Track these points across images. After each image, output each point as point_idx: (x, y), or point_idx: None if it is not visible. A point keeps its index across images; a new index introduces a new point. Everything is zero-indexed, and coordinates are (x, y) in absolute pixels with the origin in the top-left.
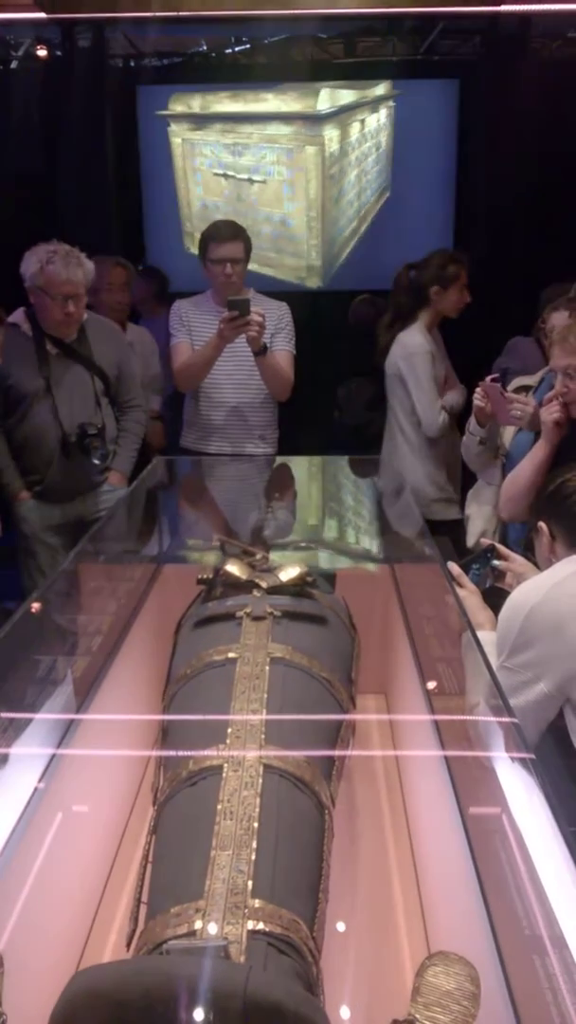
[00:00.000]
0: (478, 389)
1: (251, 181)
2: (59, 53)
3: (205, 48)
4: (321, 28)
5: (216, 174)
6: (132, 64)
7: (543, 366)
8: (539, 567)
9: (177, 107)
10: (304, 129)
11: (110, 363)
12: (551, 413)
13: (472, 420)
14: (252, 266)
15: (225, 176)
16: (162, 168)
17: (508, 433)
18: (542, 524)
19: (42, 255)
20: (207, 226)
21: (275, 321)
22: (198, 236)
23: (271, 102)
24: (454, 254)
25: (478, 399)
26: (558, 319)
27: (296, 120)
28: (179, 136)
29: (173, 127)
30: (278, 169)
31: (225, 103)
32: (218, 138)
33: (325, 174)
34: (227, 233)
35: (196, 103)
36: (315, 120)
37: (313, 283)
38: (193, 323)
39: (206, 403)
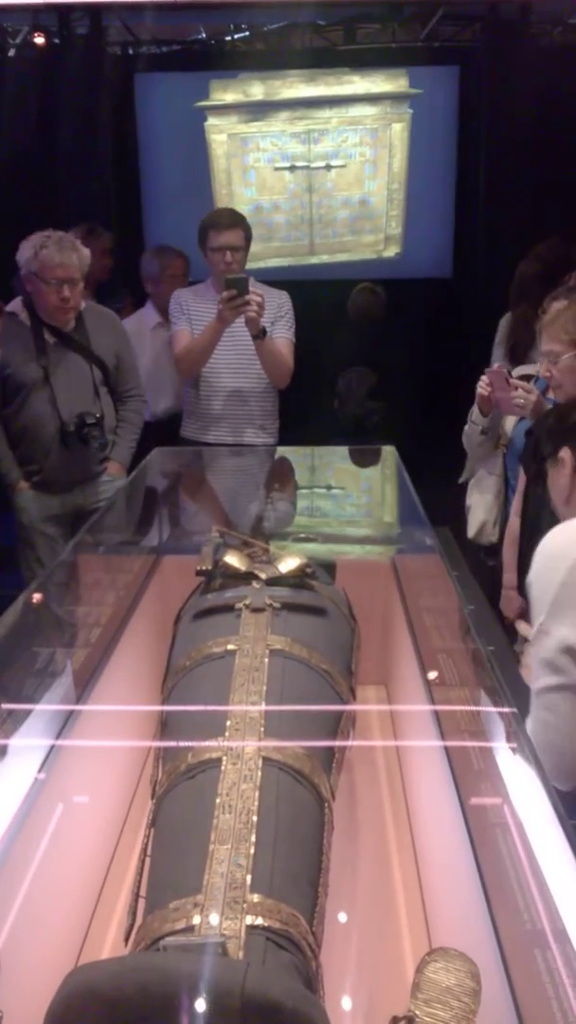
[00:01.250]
0: (483, 377)
1: (329, 167)
2: (56, 41)
3: (204, 36)
4: (321, 15)
5: (279, 168)
6: (130, 52)
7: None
8: (554, 502)
9: (226, 96)
10: (391, 108)
11: (109, 352)
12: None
13: (475, 409)
14: (323, 256)
15: (292, 168)
16: (160, 157)
17: (510, 422)
18: (565, 454)
19: (36, 241)
20: (207, 215)
21: (275, 309)
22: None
23: (359, 83)
24: None
25: (482, 387)
26: (558, 308)
27: (384, 100)
28: (224, 131)
29: (214, 121)
30: (360, 151)
31: (300, 88)
32: (284, 127)
33: (411, 148)
34: (227, 221)
35: (257, 90)
36: (402, 99)
37: (391, 252)
38: (193, 312)
39: (206, 391)
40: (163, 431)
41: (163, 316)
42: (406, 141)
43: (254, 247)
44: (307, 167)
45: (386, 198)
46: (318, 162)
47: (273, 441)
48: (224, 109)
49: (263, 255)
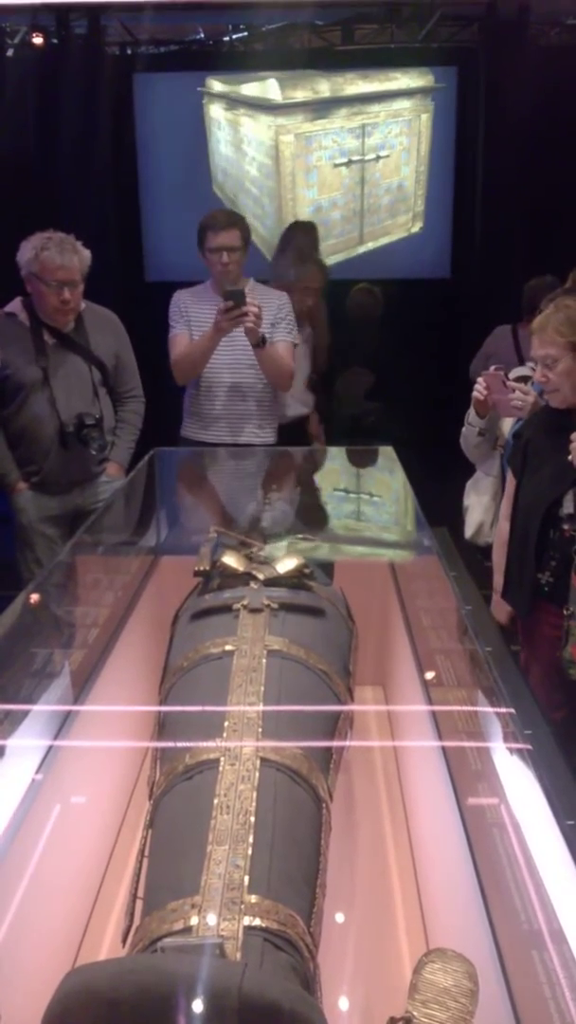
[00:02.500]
0: (479, 379)
1: (378, 158)
2: (55, 41)
3: (202, 36)
4: (319, 15)
5: (337, 164)
6: (128, 52)
7: (515, 353)
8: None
9: (296, 94)
10: (421, 101)
11: (108, 353)
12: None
13: (471, 411)
14: (368, 244)
15: (348, 163)
16: (159, 156)
17: (507, 424)
18: None
19: (37, 242)
20: (205, 216)
21: (275, 311)
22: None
23: (401, 80)
24: None
25: (478, 390)
26: (548, 312)
27: (417, 93)
28: (291, 132)
29: (284, 121)
30: (399, 140)
31: (359, 84)
32: (343, 123)
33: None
34: (224, 222)
35: (324, 87)
36: (428, 91)
37: (416, 227)
38: (192, 314)
39: (206, 391)
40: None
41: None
42: (430, 128)
43: None
44: (361, 160)
45: (414, 180)
46: (369, 155)
47: (272, 440)
48: (291, 109)
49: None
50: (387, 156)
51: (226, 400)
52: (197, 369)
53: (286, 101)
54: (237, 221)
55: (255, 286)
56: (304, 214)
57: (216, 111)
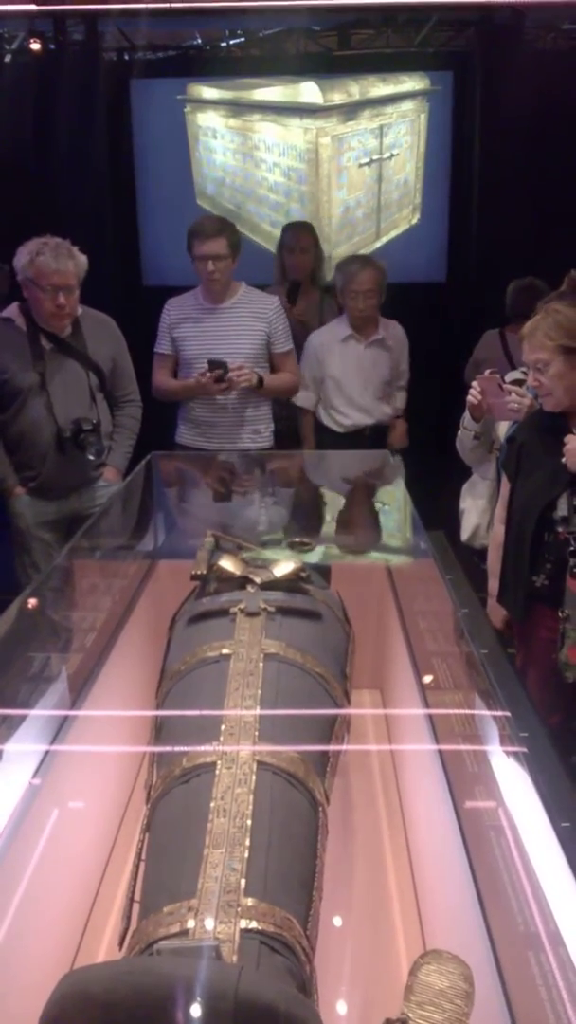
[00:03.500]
0: (474, 383)
1: (392, 156)
2: (52, 47)
3: (199, 42)
4: (315, 20)
5: (362, 164)
6: (125, 57)
7: (504, 358)
8: None
9: (334, 97)
10: (422, 102)
11: (105, 357)
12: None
13: (466, 415)
14: (382, 239)
15: (370, 163)
16: (156, 161)
17: (502, 428)
18: None
19: (32, 247)
20: (193, 222)
21: (270, 319)
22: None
23: (408, 83)
24: None
25: (473, 394)
26: (536, 318)
27: (419, 95)
28: (328, 134)
29: (324, 123)
30: (406, 139)
31: (380, 87)
32: (367, 124)
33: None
34: (211, 230)
35: (355, 90)
36: (428, 94)
37: (415, 219)
38: (175, 327)
39: (200, 399)
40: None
41: (352, 328)
42: (427, 126)
43: (339, 250)
44: (379, 160)
45: (415, 174)
46: (385, 154)
47: (268, 445)
48: (328, 112)
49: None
50: (397, 155)
51: (221, 407)
52: (177, 400)
53: (327, 104)
54: (225, 229)
55: (247, 290)
56: (336, 215)
57: (209, 119)
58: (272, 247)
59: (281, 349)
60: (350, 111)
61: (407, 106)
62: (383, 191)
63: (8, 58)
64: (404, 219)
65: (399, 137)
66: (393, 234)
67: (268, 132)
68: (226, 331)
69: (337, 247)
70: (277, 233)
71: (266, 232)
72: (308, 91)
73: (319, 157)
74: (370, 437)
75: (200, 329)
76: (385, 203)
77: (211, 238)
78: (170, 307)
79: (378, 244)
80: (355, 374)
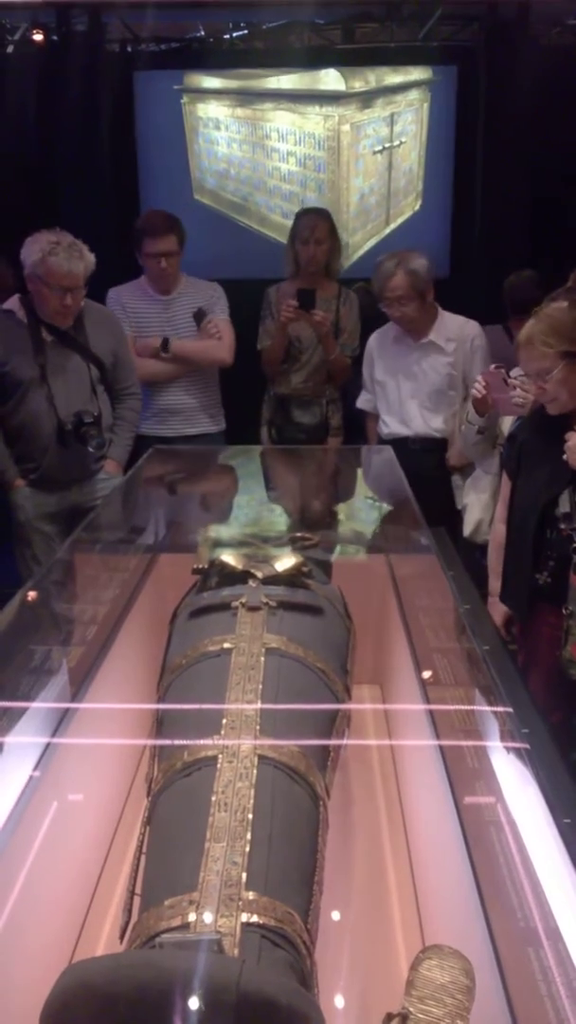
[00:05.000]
0: (478, 378)
1: (401, 144)
2: (55, 38)
3: (203, 34)
4: (319, 14)
5: (376, 152)
6: (129, 49)
7: (511, 352)
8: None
9: (355, 83)
10: (425, 91)
11: (106, 350)
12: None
13: (470, 409)
14: (391, 226)
15: (383, 150)
16: (159, 154)
17: (507, 423)
18: None
19: (45, 245)
20: (143, 216)
21: (213, 300)
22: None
23: (414, 73)
24: None
25: (477, 389)
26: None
27: (423, 84)
28: (349, 122)
29: (344, 111)
30: (412, 127)
31: (391, 76)
32: (380, 112)
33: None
34: (161, 228)
35: (372, 77)
36: (431, 83)
37: (417, 205)
38: (130, 311)
39: (155, 388)
40: None
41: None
42: (429, 115)
43: (355, 238)
44: (390, 148)
45: (418, 163)
46: (396, 142)
47: (223, 428)
48: (348, 99)
49: (361, 243)
50: (405, 142)
51: (176, 394)
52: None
53: (349, 91)
54: (174, 226)
55: (189, 280)
56: (353, 202)
57: (211, 110)
58: (283, 238)
59: (222, 315)
60: (366, 99)
61: (413, 95)
62: (392, 178)
63: (11, 49)
64: (408, 206)
65: (406, 125)
66: (400, 220)
67: (282, 121)
68: (176, 319)
69: (354, 234)
70: (288, 224)
71: (276, 223)
72: (330, 79)
73: (340, 144)
74: (420, 450)
75: (150, 317)
76: (394, 190)
77: (162, 236)
78: (120, 296)
79: (388, 230)
80: (399, 378)
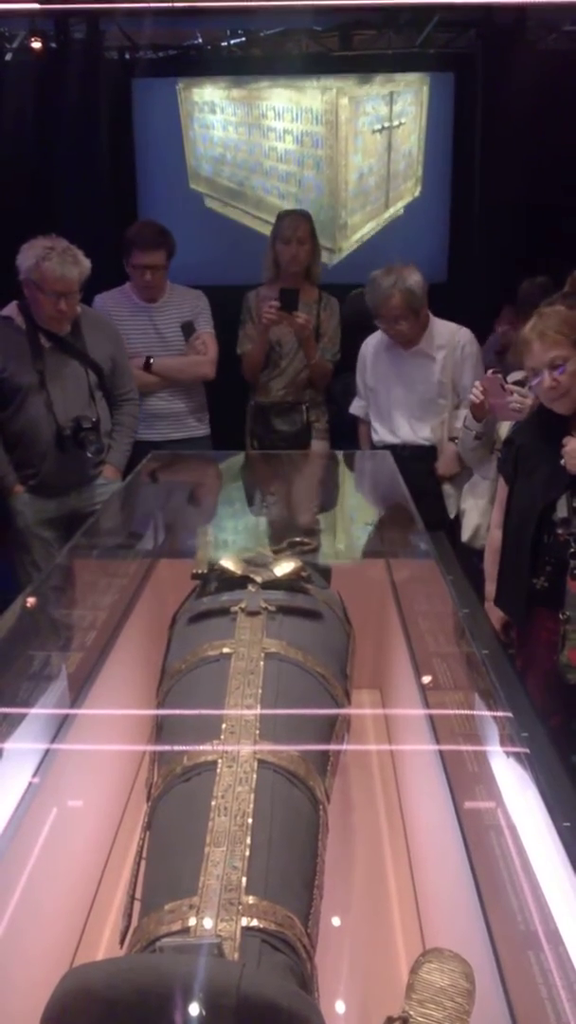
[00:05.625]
0: (476, 384)
1: (400, 124)
2: (53, 46)
3: (201, 41)
4: (317, 21)
5: (375, 131)
6: (127, 57)
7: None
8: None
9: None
10: (426, 75)
11: (104, 356)
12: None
13: (468, 415)
14: (390, 210)
15: (382, 130)
16: (157, 161)
17: (504, 428)
18: None
19: (39, 251)
20: (135, 226)
21: (196, 310)
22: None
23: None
24: None
25: (475, 394)
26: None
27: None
28: (346, 95)
29: (342, 84)
30: (412, 109)
31: (391, 85)
32: (379, 90)
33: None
34: (151, 242)
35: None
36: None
37: (417, 191)
38: (114, 317)
39: (141, 393)
40: None
41: None
42: (429, 98)
43: (354, 218)
44: (390, 127)
45: (418, 146)
46: (395, 121)
47: (208, 432)
48: (345, 74)
49: (360, 225)
50: (404, 123)
51: (162, 399)
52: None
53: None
54: (163, 242)
55: (173, 287)
56: (352, 181)
57: (207, 94)
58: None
59: (206, 329)
60: (364, 77)
61: (412, 77)
62: (392, 160)
63: (9, 57)
64: (408, 191)
65: (406, 106)
66: (399, 204)
67: (279, 99)
68: (161, 327)
69: (352, 214)
70: (285, 206)
71: (272, 205)
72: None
73: (338, 119)
74: (409, 458)
75: (135, 325)
76: (393, 172)
77: (150, 250)
78: (105, 304)
79: (387, 214)
80: (390, 385)
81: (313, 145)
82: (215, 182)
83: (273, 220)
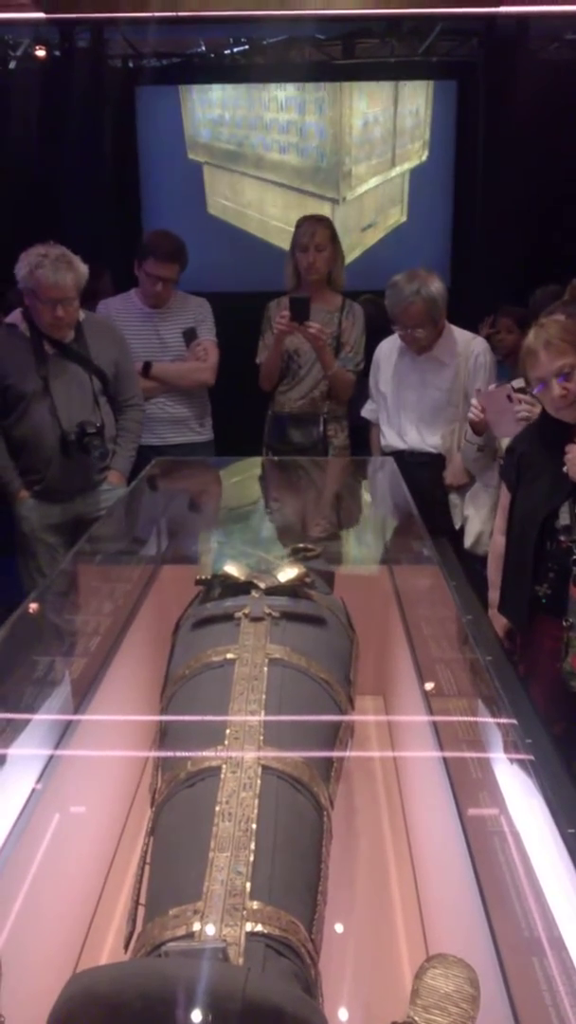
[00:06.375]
0: (474, 401)
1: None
2: (58, 54)
3: (204, 49)
4: (320, 29)
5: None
6: (131, 65)
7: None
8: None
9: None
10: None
11: (108, 362)
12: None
13: (468, 429)
14: (396, 169)
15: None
16: (161, 169)
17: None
18: None
19: (33, 259)
20: (155, 234)
21: (199, 317)
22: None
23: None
24: None
25: (473, 414)
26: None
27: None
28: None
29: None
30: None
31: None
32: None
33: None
34: (167, 255)
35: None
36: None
37: (424, 155)
38: (122, 325)
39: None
40: None
41: None
42: (432, 98)
43: (359, 168)
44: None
45: (424, 105)
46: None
47: (209, 437)
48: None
49: (365, 177)
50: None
51: (163, 405)
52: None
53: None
54: (177, 255)
55: (178, 295)
56: (356, 127)
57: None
58: (282, 178)
59: (209, 336)
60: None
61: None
62: (398, 115)
63: (14, 64)
64: (415, 153)
65: (416, 104)
66: (406, 166)
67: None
68: (164, 333)
69: (357, 163)
70: (286, 160)
71: (273, 162)
72: None
73: (341, 101)
74: (414, 464)
75: (138, 330)
76: (399, 128)
77: (166, 263)
78: (109, 308)
79: (394, 172)
80: (401, 390)
81: (314, 88)
82: (213, 147)
83: (272, 178)
